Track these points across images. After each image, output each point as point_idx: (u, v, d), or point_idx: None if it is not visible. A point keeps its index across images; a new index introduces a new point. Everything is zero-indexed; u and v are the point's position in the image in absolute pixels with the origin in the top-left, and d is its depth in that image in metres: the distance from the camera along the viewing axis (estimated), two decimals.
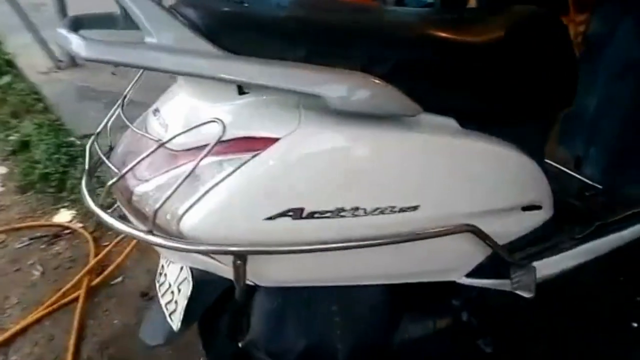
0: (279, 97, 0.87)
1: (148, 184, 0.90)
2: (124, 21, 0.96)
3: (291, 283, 0.96)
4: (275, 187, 0.86)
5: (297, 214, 0.86)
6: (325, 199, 0.87)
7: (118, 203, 0.95)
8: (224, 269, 0.91)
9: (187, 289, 1.02)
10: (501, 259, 1.08)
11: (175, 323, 1.04)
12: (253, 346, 1.06)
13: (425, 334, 1.17)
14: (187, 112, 0.91)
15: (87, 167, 1.01)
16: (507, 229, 1.09)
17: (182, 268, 1.07)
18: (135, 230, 0.85)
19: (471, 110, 0.98)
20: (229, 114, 0.86)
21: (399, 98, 0.86)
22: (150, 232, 0.84)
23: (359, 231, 0.90)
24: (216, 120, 0.84)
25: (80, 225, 2.35)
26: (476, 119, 0.98)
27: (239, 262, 0.86)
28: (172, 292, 1.08)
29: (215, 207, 0.85)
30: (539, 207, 1.13)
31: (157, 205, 0.82)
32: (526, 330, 1.51)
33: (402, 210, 0.92)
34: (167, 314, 1.08)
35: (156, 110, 0.97)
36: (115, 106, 1.04)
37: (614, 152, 1.52)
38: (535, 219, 1.15)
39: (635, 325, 1.50)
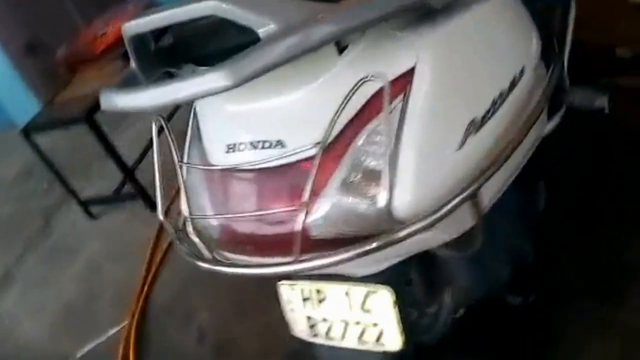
0: (375, 35, 0.78)
1: (319, 209, 0.75)
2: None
3: (493, 201, 0.87)
4: (446, 112, 0.77)
5: (473, 127, 0.78)
6: (482, 98, 0.81)
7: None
8: (440, 235, 0.80)
9: (386, 298, 0.85)
10: (555, 94, 1.12)
11: (396, 342, 0.87)
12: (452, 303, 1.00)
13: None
14: (300, 110, 0.77)
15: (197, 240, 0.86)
16: None
17: (346, 294, 0.89)
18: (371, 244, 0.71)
19: None
20: (348, 77, 0.73)
21: None
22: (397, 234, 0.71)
23: (509, 118, 0.85)
24: (372, 77, 0.71)
25: None
26: None
27: (476, 200, 0.75)
28: (358, 322, 0.89)
29: (414, 171, 0.73)
30: None
31: (383, 204, 0.69)
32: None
33: (519, 78, 0.89)
34: (369, 347, 0.89)
35: (242, 144, 0.79)
36: (155, 154, 0.86)
37: None
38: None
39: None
